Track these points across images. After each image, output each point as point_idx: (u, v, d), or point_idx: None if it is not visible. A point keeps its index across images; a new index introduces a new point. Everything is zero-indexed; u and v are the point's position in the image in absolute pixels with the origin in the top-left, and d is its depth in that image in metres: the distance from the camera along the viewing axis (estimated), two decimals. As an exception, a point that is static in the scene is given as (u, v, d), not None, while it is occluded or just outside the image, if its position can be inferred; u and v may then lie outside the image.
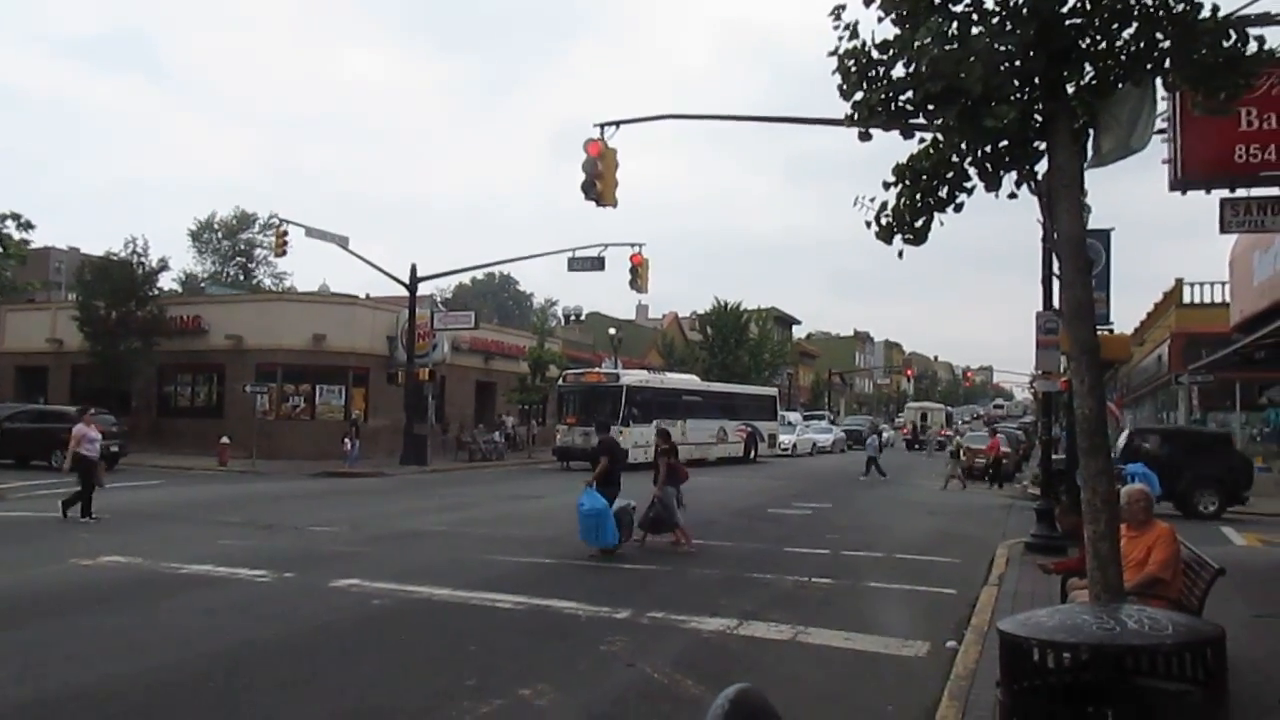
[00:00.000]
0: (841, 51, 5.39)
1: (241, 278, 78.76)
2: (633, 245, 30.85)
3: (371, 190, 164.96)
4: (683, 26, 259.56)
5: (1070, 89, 5.11)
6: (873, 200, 5.84)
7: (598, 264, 32.53)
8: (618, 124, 17.89)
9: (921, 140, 5.67)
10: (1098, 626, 3.62)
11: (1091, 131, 5.35)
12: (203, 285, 69.75)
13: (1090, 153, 5.51)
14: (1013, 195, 5.63)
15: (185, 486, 24.97)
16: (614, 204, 18.41)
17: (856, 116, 5.44)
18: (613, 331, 55.24)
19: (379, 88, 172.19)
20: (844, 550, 15.12)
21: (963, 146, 5.33)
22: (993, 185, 5.50)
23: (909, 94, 5.22)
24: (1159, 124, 9.41)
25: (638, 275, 30.49)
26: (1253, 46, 4.93)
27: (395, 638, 8.98)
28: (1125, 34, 5.04)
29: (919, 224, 5.67)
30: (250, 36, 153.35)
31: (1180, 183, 9.03)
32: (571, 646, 8.68)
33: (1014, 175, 5.50)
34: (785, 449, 47.23)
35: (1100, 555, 4.94)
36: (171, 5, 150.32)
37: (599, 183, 17.98)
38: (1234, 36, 4.85)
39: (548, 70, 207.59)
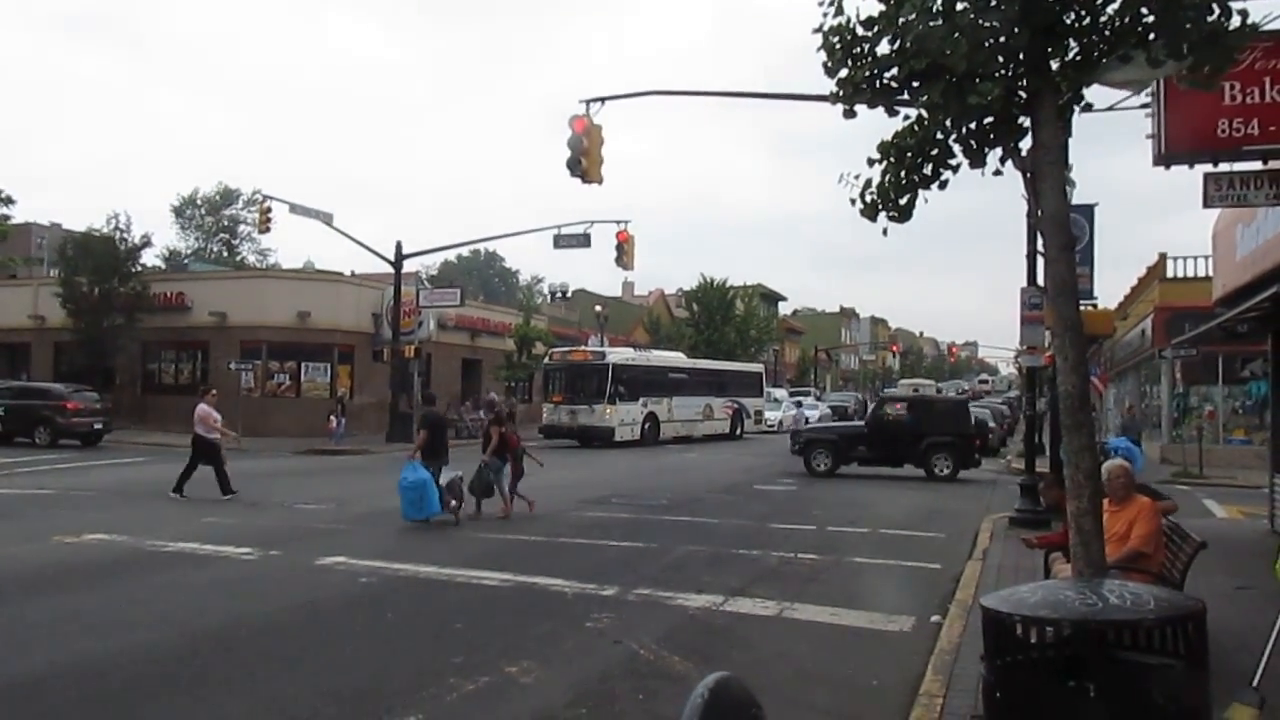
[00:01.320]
0: (826, 28, 5.35)
1: (225, 254, 78.32)
2: (619, 222, 30.73)
3: (359, 167, 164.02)
4: (677, 2, 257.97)
5: (1054, 65, 5.10)
6: (857, 177, 5.82)
7: (584, 241, 32.41)
8: (603, 100, 17.81)
9: (906, 117, 5.65)
10: (1080, 602, 3.64)
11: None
12: (186, 261, 69.37)
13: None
14: (998, 172, 5.62)
15: (169, 464, 24.70)
16: (600, 181, 18.35)
17: (841, 94, 5.41)
18: (599, 309, 55.19)
19: (365, 62, 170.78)
20: (829, 526, 15.20)
21: (947, 123, 5.30)
22: (977, 162, 5.48)
23: (894, 71, 5.18)
24: (1144, 98, 9.43)
25: (624, 252, 30.39)
26: (1236, 20, 4.92)
27: (382, 615, 8.99)
28: (1109, 9, 5.02)
29: (904, 201, 5.65)
30: (232, 9, 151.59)
31: (1164, 157, 9.03)
32: (558, 624, 8.70)
33: (998, 152, 5.49)
34: (771, 425, 47.35)
35: (1083, 530, 4.97)
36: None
37: (584, 159, 17.92)
38: (1218, 11, 4.84)
39: (539, 47, 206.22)
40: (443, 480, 14.90)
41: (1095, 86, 5.51)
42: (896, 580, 11.21)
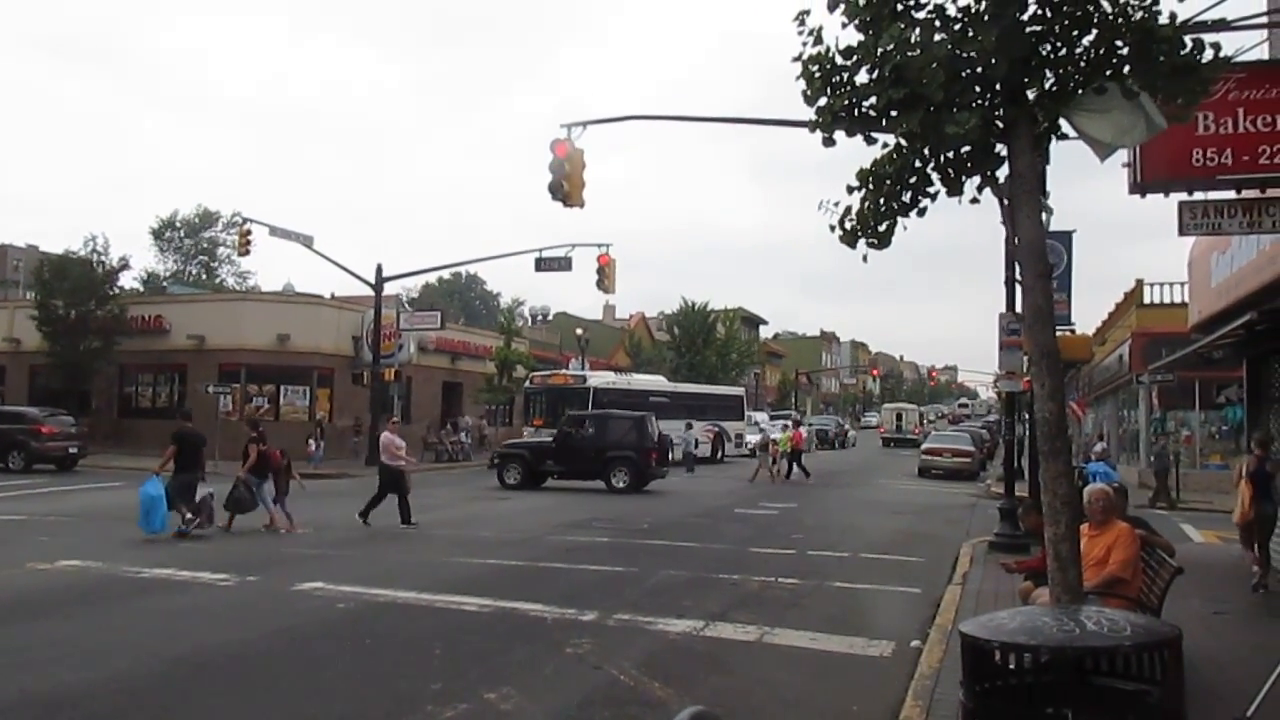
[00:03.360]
0: (805, 57, 5.41)
1: (204, 277, 77.93)
2: (600, 245, 30.86)
3: (340, 189, 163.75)
4: (665, 30, 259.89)
5: (1031, 95, 5.17)
6: (836, 204, 5.88)
7: (565, 264, 32.49)
8: (584, 125, 17.86)
9: (885, 145, 5.71)
10: (1058, 628, 3.66)
11: (1082, 132, 5.36)
12: (165, 284, 68.91)
13: (1097, 147, 5.52)
14: (975, 200, 5.68)
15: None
16: (581, 204, 18.37)
17: (820, 122, 5.47)
18: (579, 332, 55.15)
19: (348, 85, 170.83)
20: (810, 550, 15.20)
21: (925, 152, 5.37)
22: (955, 190, 5.54)
23: (872, 100, 5.24)
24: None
25: (604, 276, 30.49)
26: (1209, 54, 5.01)
27: (359, 642, 8.91)
28: (1085, 41, 5.10)
29: (883, 228, 5.70)
30: (214, 32, 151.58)
31: (1140, 186, 9.14)
32: (538, 649, 8.65)
33: (976, 180, 5.55)
34: (752, 449, 47.35)
35: (1060, 556, 4.99)
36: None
37: (566, 184, 17.93)
38: (1191, 44, 4.93)
39: (524, 71, 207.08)
40: (196, 496, 15.51)
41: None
42: (877, 605, 11.21)
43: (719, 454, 42.53)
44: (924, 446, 38.95)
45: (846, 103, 5.30)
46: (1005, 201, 5.36)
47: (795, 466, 32.47)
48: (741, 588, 11.93)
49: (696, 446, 35.20)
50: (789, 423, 37.06)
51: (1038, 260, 5.11)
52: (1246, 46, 9.72)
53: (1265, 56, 10.27)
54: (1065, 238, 15.50)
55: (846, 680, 8.05)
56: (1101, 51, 5.04)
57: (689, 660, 8.49)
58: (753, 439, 48.48)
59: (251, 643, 8.80)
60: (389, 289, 37.33)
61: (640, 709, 7.04)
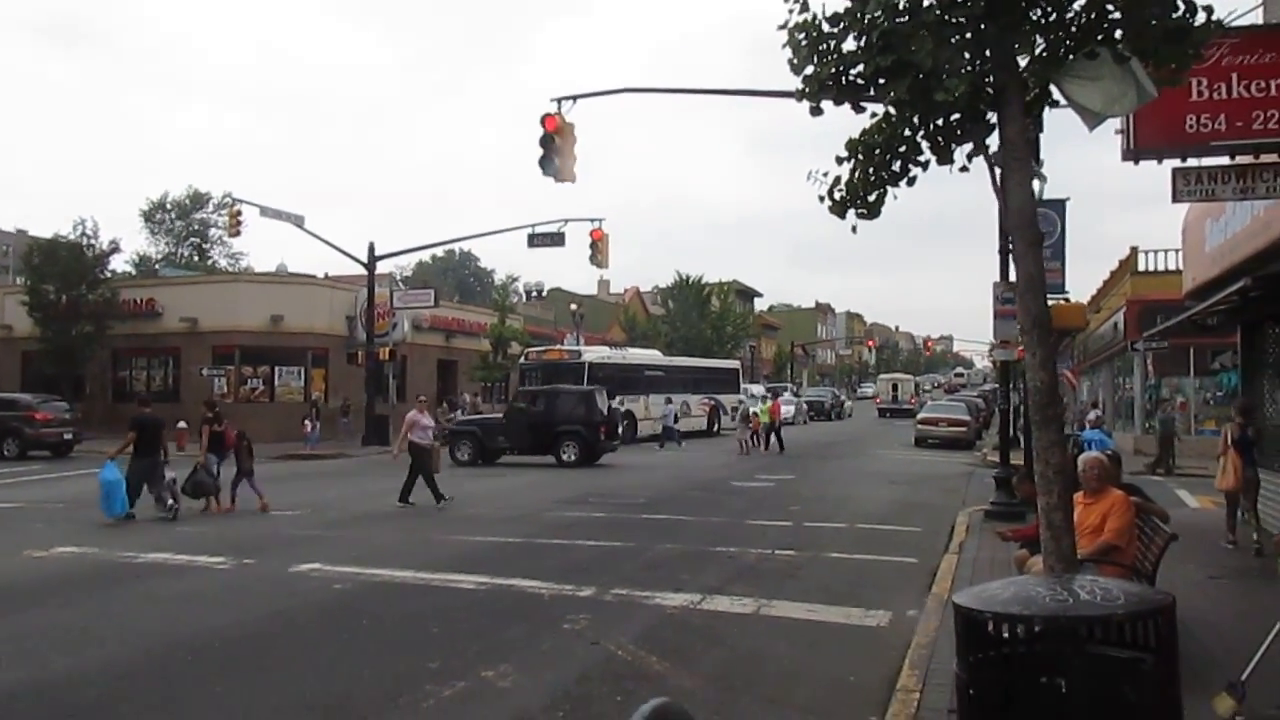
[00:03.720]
0: (792, 25, 5.34)
1: (196, 259, 77.51)
2: (593, 220, 30.70)
3: (334, 169, 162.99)
4: (659, 2, 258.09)
5: (1021, 62, 5.11)
6: (825, 175, 5.82)
7: (558, 240, 32.32)
8: (575, 98, 17.74)
9: (874, 114, 5.65)
10: (1051, 598, 3.65)
11: (1072, 100, 5.31)
12: (157, 267, 68.63)
13: (1087, 115, 5.47)
14: (964, 169, 5.62)
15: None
16: (572, 179, 18.29)
17: (807, 91, 5.40)
18: (574, 307, 55.05)
19: (340, 64, 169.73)
20: (806, 522, 15.23)
21: (914, 120, 5.31)
22: (945, 159, 5.48)
23: (859, 67, 5.17)
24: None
25: (598, 250, 30.33)
26: (1201, 17, 4.95)
27: (356, 622, 8.91)
28: (1076, 5, 5.04)
29: (872, 198, 5.65)
30: (204, 13, 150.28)
31: (1133, 153, 9.08)
32: (535, 626, 8.66)
33: (966, 148, 5.50)
34: (787, 420, 47.43)
35: (1054, 525, 4.98)
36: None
37: (557, 158, 17.84)
38: (1182, 7, 4.86)
39: (517, 46, 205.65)
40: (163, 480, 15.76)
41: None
42: (873, 575, 11.24)
43: (715, 427, 42.61)
44: (919, 416, 39.02)
45: (834, 71, 5.22)
46: (996, 169, 5.31)
47: (774, 438, 32.58)
48: (738, 560, 11.95)
49: (677, 420, 35.30)
50: (768, 394, 37.08)
51: (1029, 228, 5.07)
52: (1241, 11, 9.63)
53: (1259, 21, 10.19)
54: (1059, 206, 15.44)
55: (844, 650, 8.06)
56: (1093, 16, 4.97)
57: (686, 634, 8.51)
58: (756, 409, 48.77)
59: (248, 626, 8.79)
60: (383, 268, 37.25)
61: (637, 683, 7.05)
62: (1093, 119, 5.25)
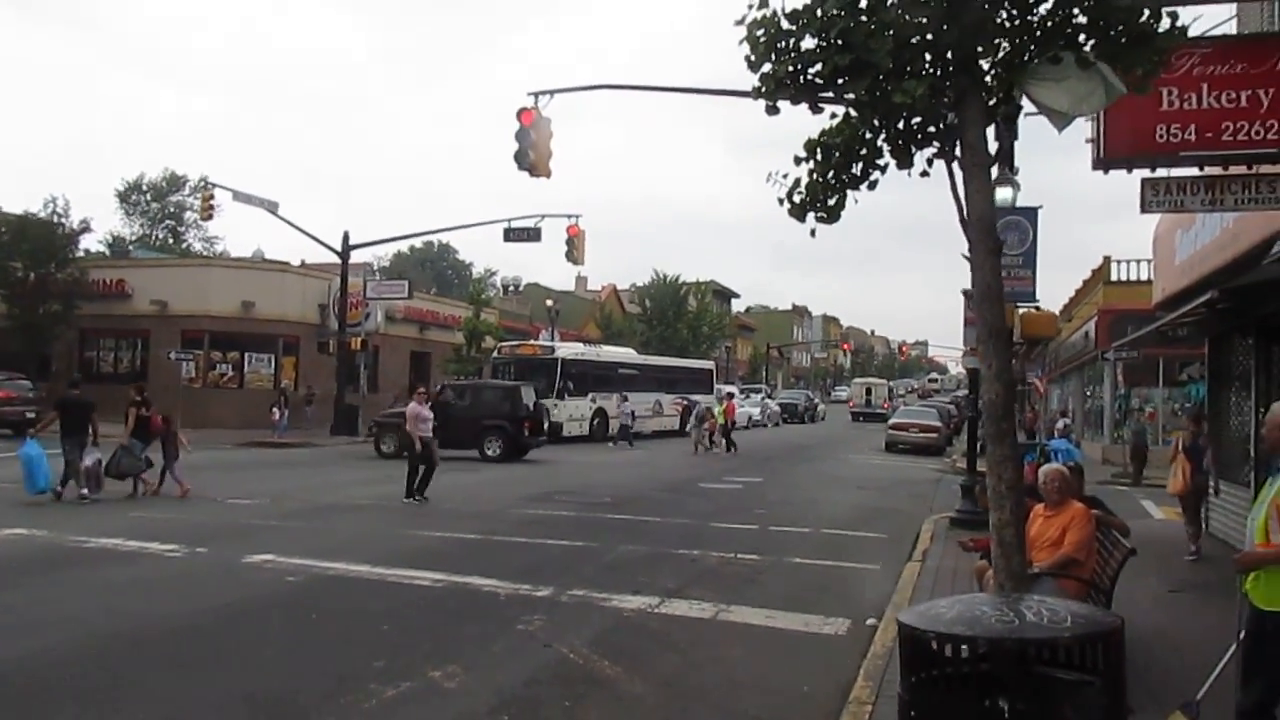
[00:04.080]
0: (750, 21, 5.20)
1: (171, 241, 76.65)
2: (570, 216, 30.61)
3: (314, 156, 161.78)
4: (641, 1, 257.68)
5: (985, 65, 5.00)
6: (785, 176, 5.69)
7: (534, 235, 32.19)
8: (551, 93, 17.59)
9: (833, 115, 5.52)
10: (996, 619, 3.55)
11: (1039, 102, 5.21)
12: (131, 248, 67.81)
13: (1054, 116, 5.38)
14: (925, 173, 5.51)
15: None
16: (548, 175, 18.15)
17: (764, 89, 5.26)
18: (550, 303, 54.80)
19: (322, 51, 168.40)
20: (772, 526, 15.14)
21: (874, 122, 5.19)
22: (905, 162, 5.37)
23: (818, 66, 5.04)
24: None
25: (574, 247, 30.27)
26: (1165, 23, 4.85)
27: (306, 617, 8.73)
28: (1041, 9, 4.93)
29: (832, 202, 5.53)
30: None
31: (1103, 162, 9.02)
32: (488, 626, 8.51)
33: (927, 153, 5.38)
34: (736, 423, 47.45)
35: (1005, 543, 4.88)
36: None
37: (532, 153, 17.70)
38: (1148, 13, 4.77)
39: (501, 38, 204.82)
40: (85, 462, 15.71)
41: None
42: (835, 582, 11.16)
43: (687, 427, 42.50)
44: (891, 422, 39.08)
45: (791, 69, 5.09)
46: (956, 174, 5.19)
47: (725, 440, 32.65)
48: (700, 563, 11.84)
49: (634, 419, 35.27)
50: (725, 395, 37.10)
51: (988, 236, 4.96)
52: (1217, 23, 9.61)
53: (1233, 32, 10.17)
54: (1031, 213, 15.35)
55: (800, 659, 7.97)
56: (1057, 19, 4.87)
57: (641, 638, 8.38)
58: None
59: (194, 616, 8.60)
60: (359, 257, 36.95)
61: (587, 687, 6.93)
62: (1061, 120, 5.16)
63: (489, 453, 26.19)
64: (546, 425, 30.10)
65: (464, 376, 44.77)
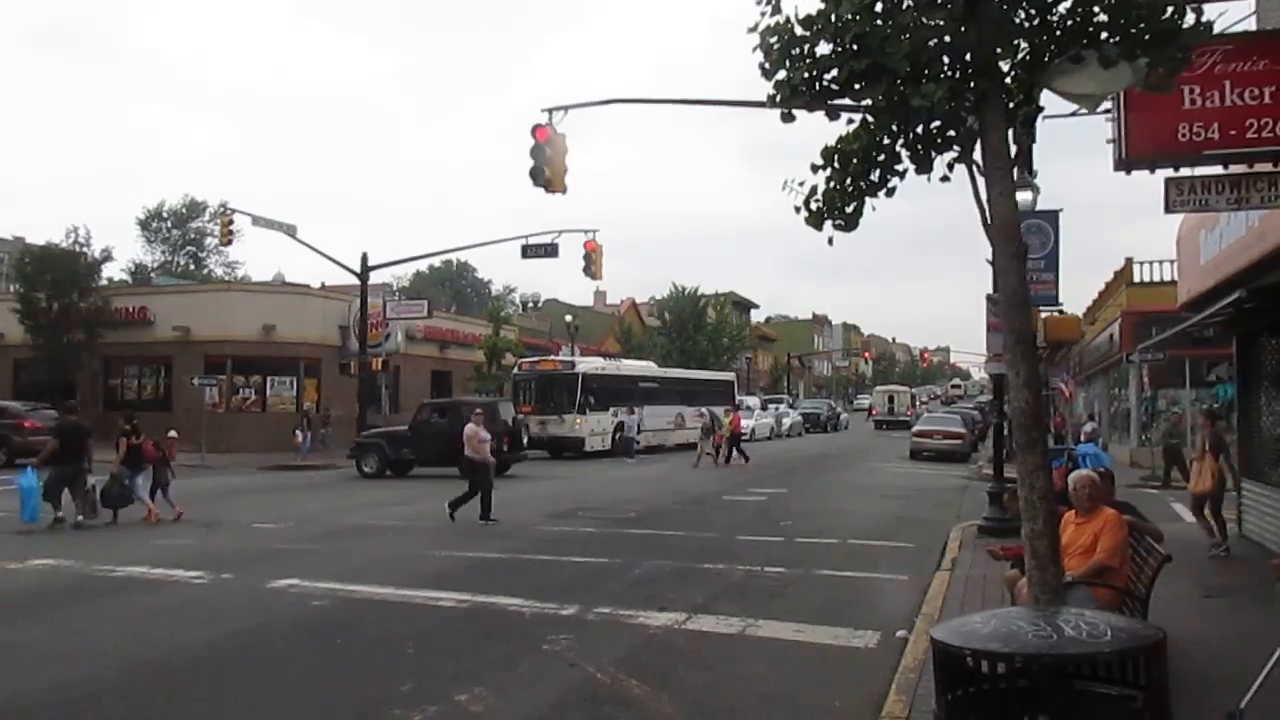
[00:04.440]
0: (763, 28, 5.13)
1: (192, 267, 77.35)
2: (587, 231, 30.58)
3: (333, 179, 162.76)
4: (657, 15, 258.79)
5: (1004, 66, 4.91)
6: (802, 184, 5.61)
7: (551, 251, 32.15)
8: (565, 109, 17.61)
9: (850, 121, 5.44)
10: (1034, 634, 3.44)
11: (1062, 91, 5.12)
12: (152, 275, 68.45)
13: (1083, 100, 5.29)
14: (945, 178, 5.42)
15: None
16: (563, 190, 18.15)
17: (779, 97, 5.19)
18: (569, 319, 54.84)
19: (339, 74, 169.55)
20: (797, 537, 15.00)
21: (893, 127, 5.11)
22: (924, 168, 5.28)
23: (834, 72, 4.96)
24: (1104, 104, 9.30)
25: (591, 262, 30.25)
26: (1190, 19, 4.75)
27: (331, 641, 8.70)
28: (1060, 8, 4.84)
29: (850, 209, 5.44)
30: (201, 22, 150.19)
31: (1125, 162, 8.88)
32: (513, 646, 8.44)
33: (947, 157, 5.29)
34: (744, 433, 47.26)
35: (1039, 554, 4.76)
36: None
37: (548, 169, 17.72)
38: (1171, 9, 4.67)
39: (515, 60, 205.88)
40: (85, 487, 15.88)
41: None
42: (863, 593, 11.03)
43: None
44: (915, 429, 38.81)
45: (806, 76, 5.01)
46: (978, 179, 5.10)
47: (735, 451, 32.41)
48: (726, 577, 11.73)
49: (640, 432, 35.15)
50: (729, 407, 36.80)
51: (1011, 240, 4.86)
52: (1237, 19, 9.47)
53: (1253, 28, 10.02)
54: (1052, 217, 15.22)
55: (830, 673, 7.84)
56: (1078, 18, 4.77)
57: (669, 655, 8.28)
58: (744, 424, 48.54)
59: (220, 644, 8.56)
60: (378, 278, 37.04)
61: (615, 708, 6.83)
62: (1091, 102, 5.08)
63: None
64: (526, 440, 30.33)
65: (485, 394, 44.91)
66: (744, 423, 48.09)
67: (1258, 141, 8.44)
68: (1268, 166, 9.07)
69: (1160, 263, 30.32)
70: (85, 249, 37.62)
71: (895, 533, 15.82)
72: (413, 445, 26.78)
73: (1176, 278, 17.33)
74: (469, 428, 17.46)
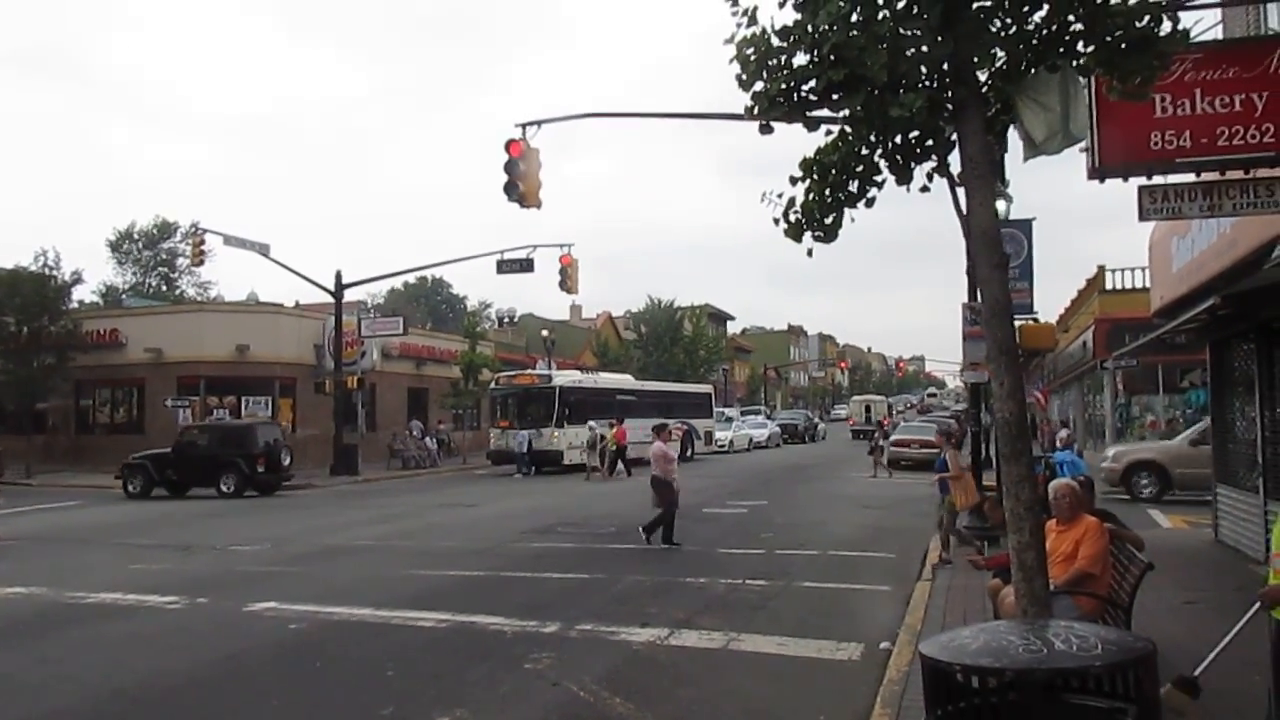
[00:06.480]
0: (739, 39, 5.11)
1: (164, 288, 76.57)
2: (562, 246, 30.53)
3: (305, 198, 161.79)
4: (632, 32, 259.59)
5: (981, 75, 4.91)
6: (780, 196, 5.58)
7: (527, 266, 32.12)
8: (539, 124, 17.55)
9: (828, 132, 5.43)
10: (1024, 649, 3.41)
11: (1021, 122, 5.14)
12: (124, 297, 67.72)
13: (1026, 144, 5.33)
14: (925, 189, 5.41)
15: (102, 507, 24.07)
16: (538, 205, 18.07)
17: (757, 109, 5.17)
18: (545, 333, 54.72)
19: (310, 93, 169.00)
20: (778, 549, 14.96)
21: (871, 138, 5.09)
22: (904, 178, 5.27)
23: (811, 83, 4.94)
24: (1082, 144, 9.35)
25: (567, 276, 30.20)
26: (1166, 27, 4.77)
27: (310, 665, 8.57)
28: (1036, 17, 4.85)
29: (829, 221, 5.41)
30: (170, 41, 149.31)
31: (1098, 171, 8.93)
32: (495, 666, 8.35)
33: (926, 167, 5.29)
34: (722, 446, 47.24)
35: (1026, 566, 4.73)
36: (92, 9, 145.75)
37: (522, 184, 17.63)
38: (1147, 18, 4.68)
39: (488, 76, 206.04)
40: None
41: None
42: (846, 605, 10.99)
43: (689, 452, 42.27)
44: (892, 439, 38.84)
45: (784, 87, 4.99)
46: (958, 189, 5.09)
47: (619, 463, 32.42)
48: (708, 591, 11.67)
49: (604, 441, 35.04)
50: (611, 422, 36.16)
51: (993, 250, 4.85)
52: (1206, 27, 9.55)
53: (1220, 36, 10.12)
54: (1025, 226, 15.36)
55: (814, 687, 7.80)
56: (1054, 27, 4.78)
57: (652, 672, 8.22)
58: (722, 436, 48.57)
59: (196, 671, 8.42)
60: (353, 295, 36.80)
61: (598, 728, 6.76)
62: (1029, 149, 5.11)
63: (224, 489, 26.57)
64: (290, 461, 29.59)
65: (462, 410, 44.64)
66: (721, 435, 48.31)
67: (1229, 149, 8.49)
68: (1239, 174, 9.14)
69: (1133, 270, 30.59)
70: (55, 272, 37.09)
71: (876, 543, 15.81)
72: (175, 466, 27.23)
73: (1149, 284, 17.47)
74: (657, 445, 16.46)
